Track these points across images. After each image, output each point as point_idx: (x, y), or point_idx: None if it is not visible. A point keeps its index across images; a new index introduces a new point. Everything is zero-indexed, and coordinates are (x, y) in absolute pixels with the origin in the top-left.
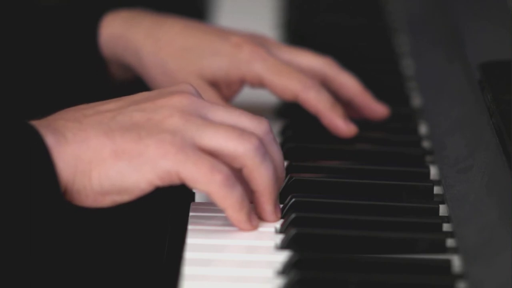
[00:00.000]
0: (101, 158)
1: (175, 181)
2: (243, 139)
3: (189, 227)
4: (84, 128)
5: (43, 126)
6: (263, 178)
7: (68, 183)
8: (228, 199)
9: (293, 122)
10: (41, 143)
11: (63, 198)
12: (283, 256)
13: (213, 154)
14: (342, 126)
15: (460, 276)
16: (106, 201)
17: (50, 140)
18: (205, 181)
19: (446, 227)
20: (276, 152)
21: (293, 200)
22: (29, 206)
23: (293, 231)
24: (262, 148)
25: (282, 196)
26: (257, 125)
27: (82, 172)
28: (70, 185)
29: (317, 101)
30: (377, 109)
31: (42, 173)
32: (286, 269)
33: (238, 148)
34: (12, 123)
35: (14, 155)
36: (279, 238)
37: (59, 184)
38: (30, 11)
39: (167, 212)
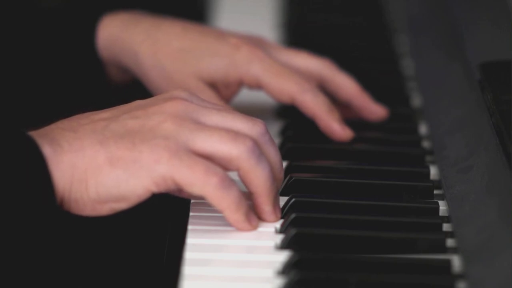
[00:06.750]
0: (97, 166)
1: (171, 186)
2: (237, 141)
3: (189, 227)
4: (79, 137)
5: (40, 136)
6: (259, 179)
7: (65, 192)
8: (225, 200)
9: (293, 122)
10: (38, 153)
11: (58, 207)
12: (283, 256)
13: (207, 158)
14: (338, 130)
15: (460, 276)
16: (104, 210)
17: (47, 150)
18: (200, 184)
19: (446, 227)
20: (273, 152)
21: (293, 200)
22: (25, 216)
23: (293, 231)
24: (257, 149)
25: (282, 196)
26: (251, 127)
27: (78, 181)
28: (67, 195)
29: (313, 104)
30: (376, 110)
31: (39, 183)
32: (286, 269)
33: (232, 150)
34: (10, 132)
35: (11, 165)
36: (279, 238)
37: (55, 194)
38: (28, 12)
39: (167, 212)
